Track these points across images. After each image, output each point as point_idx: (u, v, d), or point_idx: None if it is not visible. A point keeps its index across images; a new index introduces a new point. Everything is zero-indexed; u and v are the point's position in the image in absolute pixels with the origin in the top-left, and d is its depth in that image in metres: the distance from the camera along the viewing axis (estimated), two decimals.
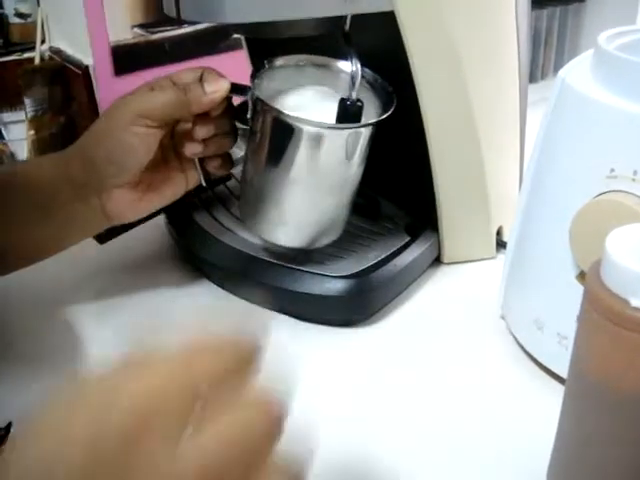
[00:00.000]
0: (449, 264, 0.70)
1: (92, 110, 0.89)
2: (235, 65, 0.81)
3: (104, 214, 0.59)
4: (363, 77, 0.59)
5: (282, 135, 0.56)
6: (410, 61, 0.58)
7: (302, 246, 0.61)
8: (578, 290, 0.50)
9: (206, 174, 0.63)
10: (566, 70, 0.50)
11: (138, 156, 0.56)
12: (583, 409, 0.41)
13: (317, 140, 0.56)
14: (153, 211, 0.62)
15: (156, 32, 0.89)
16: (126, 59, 0.88)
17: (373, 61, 0.59)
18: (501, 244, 0.70)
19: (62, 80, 0.89)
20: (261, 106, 0.57)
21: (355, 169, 0.59)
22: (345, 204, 0.61)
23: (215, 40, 0.91)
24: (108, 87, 0.87)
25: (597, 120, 0.48)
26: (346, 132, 0.56)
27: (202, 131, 0.59)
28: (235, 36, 0.88)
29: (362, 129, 0.57)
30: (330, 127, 0.57)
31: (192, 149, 0.60)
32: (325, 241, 0.62)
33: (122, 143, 0.55)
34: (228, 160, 0.63)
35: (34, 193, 0.57)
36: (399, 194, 0.70)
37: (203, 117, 0.59)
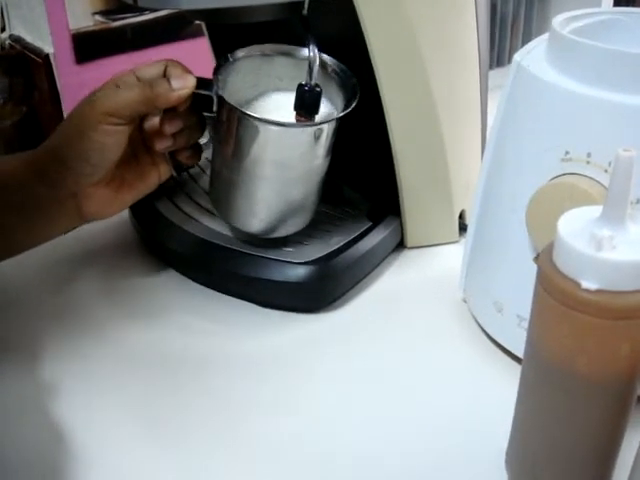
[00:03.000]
0: (412, 248, 0.70)
1: (54, 99, 0.87)
2: (198, 52, 0.81)
3: (79, 214, 0.59)
4: (329, 66, 0.59)
5: (246, 133, 0.56)
6: (369, 47, 0.58)
7: (272, 234, 0.62)
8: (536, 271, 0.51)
9: (177, 165, 0.63)
10: (521, 54, 0.51)
11: (110, 153, 0.56)
12: (538, 390, 0.42)
13: (281, 138, 0.56)
14: (128, 206, 0.62)
15: (117, 19, 0.88)
16: (87, 47, 0.87)
17: (332, 47, 0.59)
18: (464, 227, 0.70)
19: (23, 69, 0.88)
20: (225, 104, 0.57)
21: (321, 160, 0.59)
22: (313, 193, 0.61)
23: (177, 27, 0.90)
24: (70, 75, 0.86)
25: (552, 103, 0.48)
26: (309, 129, 0.56)
27: (170, 126, 0.59)
28: (197, 23, 0.88)
29: (325, 125, 0.57)
30: (293, 125, 0.57)
31: (162, 144, 0.60)
32: (295, 228, 0.62)
33: (93, 142, 0.55)
34: (198, 150, 0.64)
35: (8, 193, 0.57)
36: (360, 179, 0.70)
37: (170, 112, 0.59)
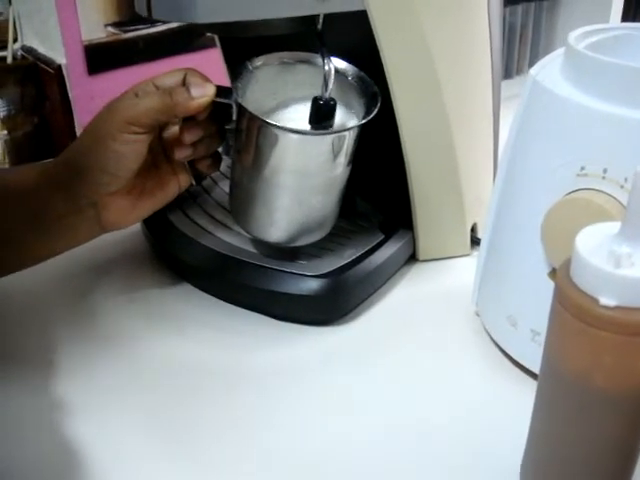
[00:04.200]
0: (424, 261, 0.70)
1: (65, 110, 0.88)
2: (210, 63, 0.81)
3: (99, 224, 0.59)
4: (349, 74, 0.60)
5: (266, 142, 0.56)
6: (383, 60, 0.58)
7: (291, 244, 0.62)
8: (551, 287, 0.50)
9: (196, 174, 0.63)
10: (537, 69, 0.51)
11: (129, 163, 0.57)
12: (554, 405, 0.42)
13: (302, 146, 0.57)
14: (147, 215, 0.62)
15: (130, 30, 0.88)
16: (99, 58, 0.87)
17: (346, 60, 0.60)
18: (475, 241, 0.70)
19: (35, 79, 0.88)
20: (245, 112, 0.57)
21: (342, 169, 0.59)
22: (334, 202, 0.61)
23: (189, 38, 0.91)
24: (81, 86, 0.87)
25: (567, 119, 0.48)
26: (329, 137, 0.56)
27: (190, 136, 0.59)
28: (208, 35, 0.88)
29: (345, 132, 0.57)
30: (314, 134, 0.57)
31: (182, 153, 0.60)
32: (314, 238, 0.62)
33: (113, 151, 0.56)
34: (217, 158, 0.64)
35: (27, 204, 0.58)
36: (373, 192, 0.70)
37: (190, 121, 0.59)
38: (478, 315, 0.62)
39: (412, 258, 0.69)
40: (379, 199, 0.70)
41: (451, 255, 0.70)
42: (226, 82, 0.77)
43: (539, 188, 0.51)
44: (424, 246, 0.69)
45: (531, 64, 1.20)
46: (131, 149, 0.56)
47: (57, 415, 0.53)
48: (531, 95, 0.51)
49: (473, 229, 0.70)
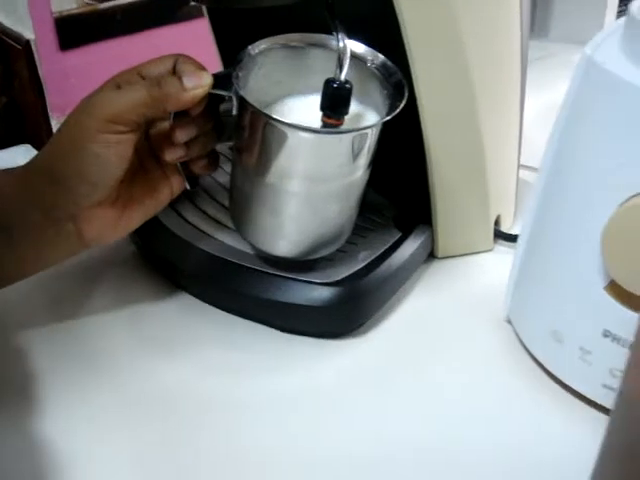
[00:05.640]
0: (442, 259, 0.63)
1: (36, 89, 0.80)
2: (196, 35, 0.73)
3: (79, 239, 0.51)
4: (367, 59, 0.52)
5: (273, 141, 0.48)
6: (403, 33, 0.51)
7: (302, 258, 0.54)
8: (607, 301, 0.44)
9: (191, 176, 0.55)
10: (592, 46, 0.43)
11: (113, 168, 0.48)
12: (633, 444, 0.35)
13: (316, 147, 0.49)
14: (135, 228, 0.54)
15: (105, 0, 0.79)
16: (72, 31, 0.79)
17: (358, 36, 0.51)
18: (499, 235, 0.64)
19: (1, 57, 0.80)
20: (247, 107, 0.49)
21: (362, 172, 0.51)
22: (352, 209, 0.54)
23: (172, 8, 0.82)
24: (53, 63, 0.79)
25: (632, 106, 0.41)
26: (349, 136, 0.49)
27: (182, 134, 0.51)
28: (192, 4, 0.80)
29: (367, 130, 0.49)
30: (330, 132, 0.49)
31: (173, 154, 0.52)
32: (328, 250, 0.55)
33: (92, 156, 0.47)
34: (214, 158, 0.56)
35: None
36: (386, 182, 0.62)
37: (182, 117, 0.51)
38: (509, 322, 0.55)
39: (429, 255, 0.62)
40: (393, 190, 0.62)
41: (473, 251, 0.63)
42: (216, 63, 0.69)
43: (597, 188, 0.43)
44: (444, 242, 0.62)
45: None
46: (114, 152, 0.48)
47: (39, 453, 0.46)
48: (586, 79, 0.43)
49: (496, 222, 0.63)
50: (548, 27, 1.11)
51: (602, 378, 0.46)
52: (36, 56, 0.78)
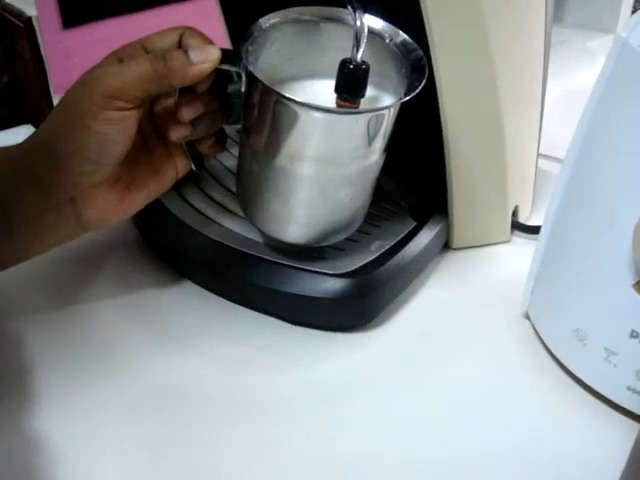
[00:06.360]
0: (457, 250, 0.61)
1: (38, 68, 0.78)
2: (204, 14, 0.71)
3: (79, 222, 0.48)
4: (386, 35, 0.49)
5: (284, 121, 0.46)
6: (423, 9, 0.48)
7: (312, 244, 0.52)
8: (635, 300, 0.42)
9: (197, 156, 0.53)
10: (628, 28, 0.41)
11: (115, 147, 0.46)
12: None
13: (329, 128, 0.46)
14: (137, 210, 0.51)
15: None
16: (76, 9, 0.77)
17: (374, 10, 0.48)
18: (516, 226, 0.61)
19: (3, 34, 0.78)
20: (256, 83, 0.46)
21: (377, 156, 0.49)
22: (366, 195, 0.51)
23: None
24: (55, 42, 0.77)
25: None
26: (365, 117, 0.46)
27: (188, 112, 0.49)
28: None
29: (384, 111, 0.47)
30: (345, 112, 0.46)
31: (178, 133, 0.49)
32: (340, 237, 0.52)
33: (93, 134, 0.45)
34: (222, 138, 0.53)
35: None
36: (401, 169, 0.59)
37: (188, 94, 0.48)
38: (527, 318, 0.53)
39: (444, 246, 0.60)
40: (408, 178, 0.60)
41: (489, 242, 0.61)
42: (224, 43, 0.67)
43: (629, 182, 0.41)
44: (459, 233, 0.59)
45: None
46: (116, 130, 0.45)
47: (33, 454, 0.44)
48: (621, 63, 0.41)
49: (514, 213, 0.61)
50: (563, 13, 1.08)
51: (627, 380, 0.44)
52: (38, 34, 0.76)
